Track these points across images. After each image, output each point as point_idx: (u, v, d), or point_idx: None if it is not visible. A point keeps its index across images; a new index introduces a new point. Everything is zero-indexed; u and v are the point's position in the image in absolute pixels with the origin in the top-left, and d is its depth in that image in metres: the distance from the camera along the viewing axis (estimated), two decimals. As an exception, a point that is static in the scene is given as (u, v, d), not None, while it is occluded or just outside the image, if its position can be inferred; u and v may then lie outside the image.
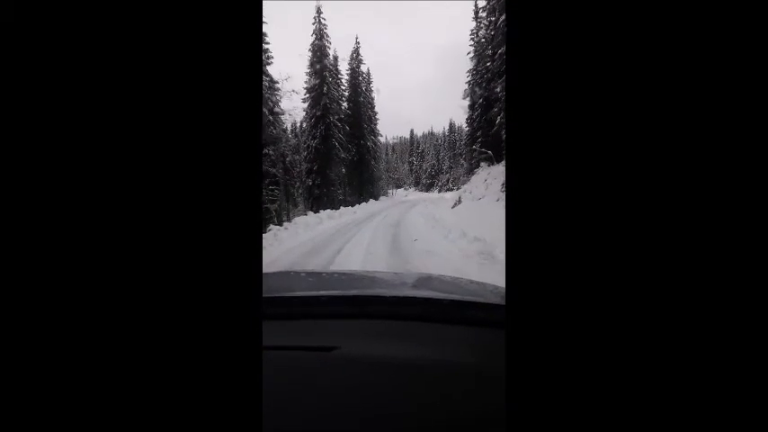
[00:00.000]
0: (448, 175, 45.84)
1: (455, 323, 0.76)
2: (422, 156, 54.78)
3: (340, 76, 22.23)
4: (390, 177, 38.89)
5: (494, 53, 15.01)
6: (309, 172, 19.48)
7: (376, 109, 25.75)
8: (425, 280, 1.25)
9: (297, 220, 10.32)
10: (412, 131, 61.02)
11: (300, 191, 19.41)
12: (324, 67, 19.58)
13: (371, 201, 21.85)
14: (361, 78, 24.32)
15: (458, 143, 45.62)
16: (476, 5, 18.63)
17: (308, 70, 19.69)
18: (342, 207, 15.96)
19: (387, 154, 42.69)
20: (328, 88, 19.69)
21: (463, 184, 17.59)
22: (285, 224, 9.37)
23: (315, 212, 12.32)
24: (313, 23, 19.59)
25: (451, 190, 34.76)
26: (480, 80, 17.16)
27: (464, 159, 24.23)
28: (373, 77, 26.00)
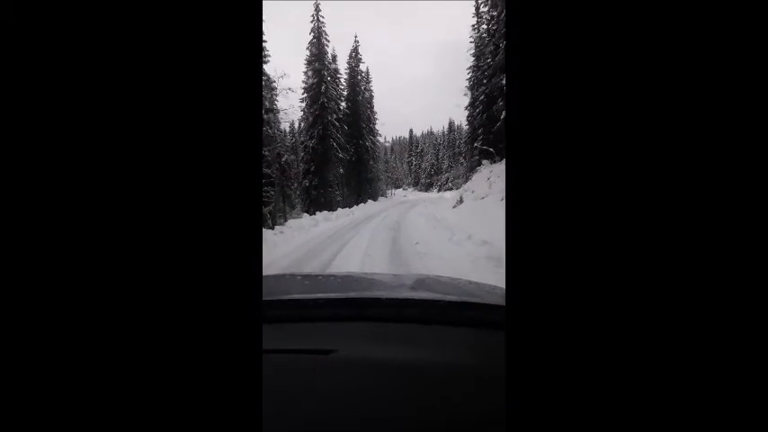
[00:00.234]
0: (447, 174, 45.61)
1: (453, 324, 0.74)
2: (421, 155, 54.48)
3: (339, 75, 21.84)
4: (389, 177, 38.56)
5: (496, 47, 14.69)
6: (307, 173, 19.06)
7: (375, 108, 25.41)
8: (423, 281, 1.23)
9: (291, 223, 9.85)
10: (411, 131, 60.79)
11: (298, 192, 19.01)
12: (322, 66, 19.18)
13: (370, 201, 21.48)
14: (359, 77, 23.94)
15: (457, 142, 45.38)
16: (476, 1, 18.28)
17: (306, 68, 19.29)
18: (339, 208, 15.55)
19: (385, 154, 42.36)
20: (326, 87, 19.28)
21: (464, 183, 17.21)
22: (277, 228, 8.86)
23: (311, 215, 11.87)
24: (311, 21, 19.22)
25: (451, 189, 34.51)
26: (481, 76, 16.82)
27: (464, 158, 23.87)
28: (372, 77, 25.59)
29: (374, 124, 25.31)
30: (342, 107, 21.92)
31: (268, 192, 13.08)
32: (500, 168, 11.71)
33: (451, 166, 45.35)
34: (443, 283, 1.29)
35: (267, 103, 13.67)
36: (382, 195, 28.44)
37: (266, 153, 13.22)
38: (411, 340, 0.69)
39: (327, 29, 19.31)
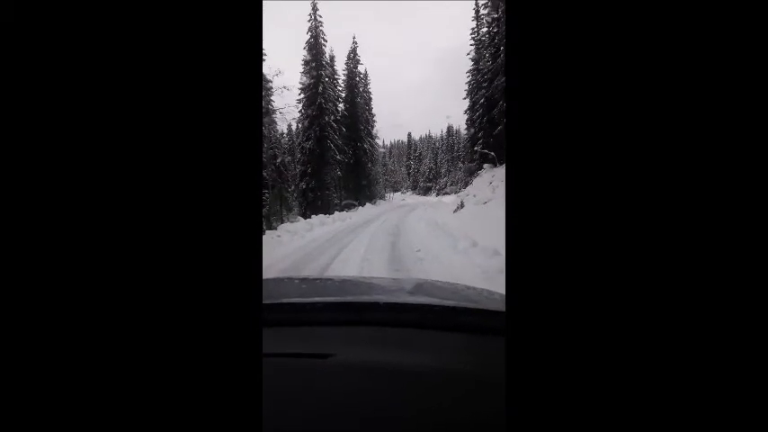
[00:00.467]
0: (446, 178, 45.35)
1: (451, 330, 0.74)
2: (419, 159, 54.26)
3: (336, 76, 21.51)
4: (387, 181, 38.20)
5: (497, 50, 14.44)
6: (303, 175, 18.66)
7: (373, 111, 25.10)
8: (422, 286, 1.24)
9: (284, 227, 9.34)
10: (409, 134, 60.54)
11: (295, 195, 18.60)
12: (319, 67, 18.83)
13: (368, 205, 21.09)
14: (358, 79, 23.63)
15: (456, 146, 45.18)
16: (477, 4, 18.08)
17: (303, 69, 18.93)
18: (336, 212, 15.14)
19: (384, 157, 42.05)
20: (324, 88, 18.93)
21: (464, 187, 16.86)
22: (269, 233, 8.37)
23: (306, 218, 11.42)
24: (308, 21, 18.88)
25: (449, 194, 34.21)
26: (481, 79, 16.56)
27: (462, 162, 23.59)
28: (370, 79, 25.27)
29: (372, 127, 25.02)
30: (339, 109, 21.61)
31: (263, 194, 12.67)
32: (502, 172, 11.33)
33: (450, 170, 45.15)
34: (442, 287, 1.26)
35: (263, 103, 13.27)
36: (381, 198, 28.10)
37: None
38: (409, 345, 0.69)
39: (325, 29, 19.02)
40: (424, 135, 60.18)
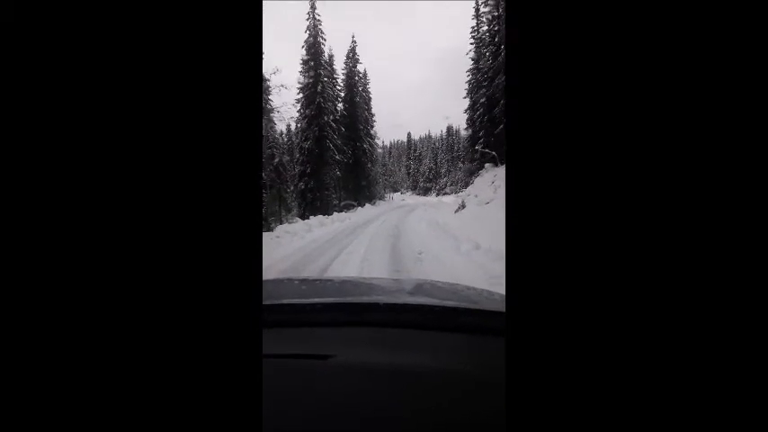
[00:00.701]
0: (446, 178, 45.15)
1: (451, 330, 0.74)
2: (419, 159, 54.04)
3: (335, 76, 21.31)
4: (387, 181, 37.98)
5: (497, 48, 14.26)
6: (302, 175, 18.45)
7: (373, 111, 24.88)
8: (421, 286, 1.23)
9: (281, 228, 9.08)
10: (409, 134, 60.30)
11: (294, 195, 18.39)
12: (318, 65, 18.63)
13: (367, 205, 20.89)
14: (357, 78, 23.42)
15: (456, 146, 44.97)
16: (477, 2, 17.89)
17: (302, 68, 18.72)
18: (335, 212, 14.94)
19: (383, 157, 41.85)
20: (323, 87, 18.72)
21: (465, 187, 16.67)
22: (266, 234, 8.14)
23: (304, 218, 11.19)
24: (307, 19, 18.70)
25: (449, 194, 34.02)
26: (482, 78, 16.38)
27: (462, 162, 23.41)
28: (370, 79, 25.06)
29: (372, 126, 24.81)
30: (339, 108, 21.41)
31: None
32: (504, 172, 11.11)
33: (450, 171, 44.95)
34: (442, 288, 1.25)
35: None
36: (380, 199, 27.91)
37: (259, 154, 12.56)
38: (409, 346, 0.68)
39: (324, 29, 18.83)
40: (423, 135, 60.07)
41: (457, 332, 0.74)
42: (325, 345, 0.68)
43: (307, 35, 18.66)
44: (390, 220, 11.72)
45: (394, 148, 60.97)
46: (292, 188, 18.40)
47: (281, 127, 15.45)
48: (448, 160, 47.37)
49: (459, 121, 48.10)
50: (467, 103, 18.28)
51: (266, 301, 0.76)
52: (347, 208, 18.08)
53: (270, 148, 14.84)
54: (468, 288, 1.23)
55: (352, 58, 23.10)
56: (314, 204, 17.72)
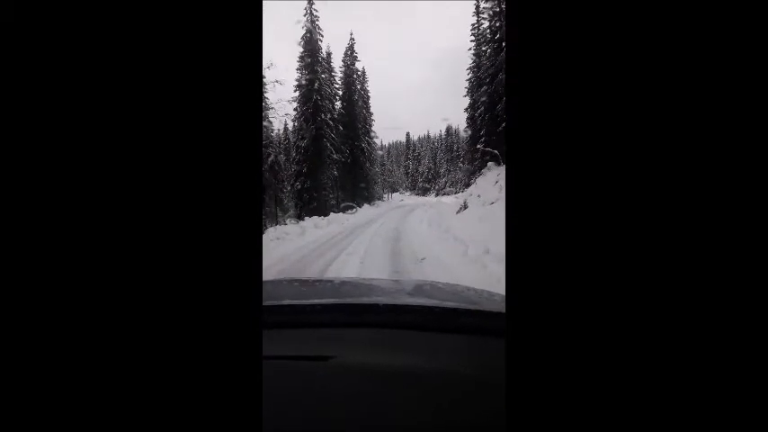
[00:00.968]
0: (445, 178, 44.78)
1: (451, 331, 0.74)
2: (418, 159, 53.63)
3: (333, 73, 20.84)
4: (386, 181, 37.56)
5: (500, 44, 13.85)
6: (299, 175, 17.95)
7: (371, 110, 24.43)
8: (421, 287, 1.23)
9: (272, 232, 8.46)
10: (407, 134, 59.79)
11: (291, 196, 17.90)
12: (315, 62, 18.15)
13: (366, 206, 20.42)
14: (355, 77, 22.96)
15: (455, 145, 44.59)
16: (477, 0, 17.49)
17: (299, 65, 18.24)
18: (332, 213, 14.45)
19: (382, 157, 41.40)
20: (320, 85, 18.24)
21: (466, 187, 16.23)
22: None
23: (299, 219, 10.66)
24: (304, 16, 18.22)
25: (448, 194, 33.67)
26: (483, 75, 15.96)
27: (462, 162, 23.00)
28: (368, 78, 24.64)
29: (370, 125, 24.37)
30: (337, 107, 20.95)
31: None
32: (508, 171, 10.62)
33: (449, 170, 44.57)
34: (442, 289, 1.22)
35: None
36: (379, 199, 27.47)
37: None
38: (409, 347, 0.68)
39: (322, 29, 18.35)
40: (422, 135, 59.60)
41: (457, 333, 0.73)
42: (325, 346, 0.67)
43: (303, 31, 18.20)
44: (390, 222, 11.25)
45: (393, 148, 60.54)
46: (289, 188, 17.92)
47: (276, 125, 14.89)
48: (447, 160, 47.02)
49: (459, 122, 47.75)
50: (466, 103, 17.92)
51: (267, 302, 0.74)
52: (346, 209, 17.60)
53: (265, 146, 14.36)
54: (468, 289, 1.21)
55: (350, 55, 22.66)
56: (311, 205, 17.24)
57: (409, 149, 56.97)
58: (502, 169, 11.81)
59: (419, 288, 1.20)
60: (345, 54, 22.62)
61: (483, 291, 1.14)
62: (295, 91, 18.16)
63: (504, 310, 0.44)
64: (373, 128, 24.75)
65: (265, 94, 13.50)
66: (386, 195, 33.64)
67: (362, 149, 22.80)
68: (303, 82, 17.99)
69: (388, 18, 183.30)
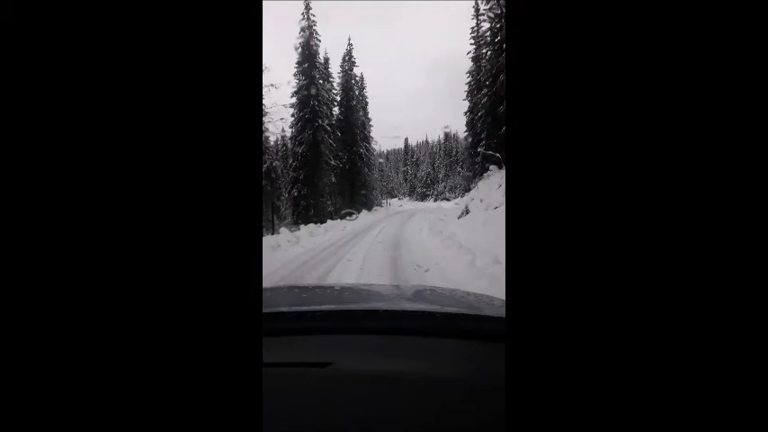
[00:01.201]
0: (443, 183, 44.51)
1: (450, 336, 0.73)
2: (416, 164, 53.39)
3: (331, 79, 20.56)
4: (384, 187, 37.24)
5: (500, 46, 13.58)
6: (295, 181, 17.56)
7: (369, 116, 24.14)
8: (421, 293, 1.24)
9: (264, 241, 8.09)
10: (406, 140, 59.61)
11: (288, 203, 17.50)
12: (312, 67, 17.86)
13: (364, 212, 20.02)
14: (353, 82, 22.69)
15: (454, 149, 44.37)
16: (476, 3, 17.31)
17: (296, 69, 17.95)
18: (330, 220, 14.04)
19: (381, 164, 41.09)
20: (317, 89, 17.94)
21: (466, 192, 15.88)
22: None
23: (292, 229, 10.21)
24: (301, 19, 17.97)
25: (448, 199, 33.35)
26: (485, 78, 15.69)
27: (461, 167, 22.71)
28: (366, 83, 24.39)
29: (369, 131, 24.06)
30: (334, 113, 20.64)
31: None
32: (511, 174, 10.23)
33: (448, 175, 44.30)
34: (441, 294, 1.25)
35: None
36: (377, 205, 27.11)
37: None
38: (409, 352, 0.68)
39: (320, 37, 18.07)
40: (421, 141, 59.44)
41: (457, 338, 0.72)
42: (324, 352, 0.66)
43: (300, 36, 17.94)
44: (389, 229, 10.84)
45: (391, 155, 60.35)
46: (286, 195, 17.52)
47: (272, 129, 14.48)
48: (446, 165, 46.79)
49: (457, 128, 47.62)
50: (464, 108, 17.68)
51: (266, 309, 0.72)
52: (345, 216, 17.18)
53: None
54: (468, 294, 1.18)
55: (348, 60, 22.42)
56: (307, 212, 16.83)
57: (408, 155, 56.76)
58: (504, 173, 11.43)
59: (419, 293, 1.19)
60: (343, 59, 22.41)
61: (483, 296, 1.13)
62: (292, 96, 17.88)
63: (504, 315, 0.44)
64: (372, 134, 24.48)
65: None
66: (384, 201, 33.31)
67: (361, 155, 22.48)
68: (300, 84, 17.69)
69: (384, 26, 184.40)
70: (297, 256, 6.24)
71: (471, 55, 17.93)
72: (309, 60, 17.82)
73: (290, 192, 17.62)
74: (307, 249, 7.08)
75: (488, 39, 15.69)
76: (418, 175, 51.27)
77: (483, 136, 15.44)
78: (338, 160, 19.47)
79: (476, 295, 1.15)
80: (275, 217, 15.42)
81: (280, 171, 16.52)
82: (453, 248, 5.86)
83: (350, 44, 22.69)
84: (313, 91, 17.61)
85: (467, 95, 18.24)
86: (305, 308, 0.91)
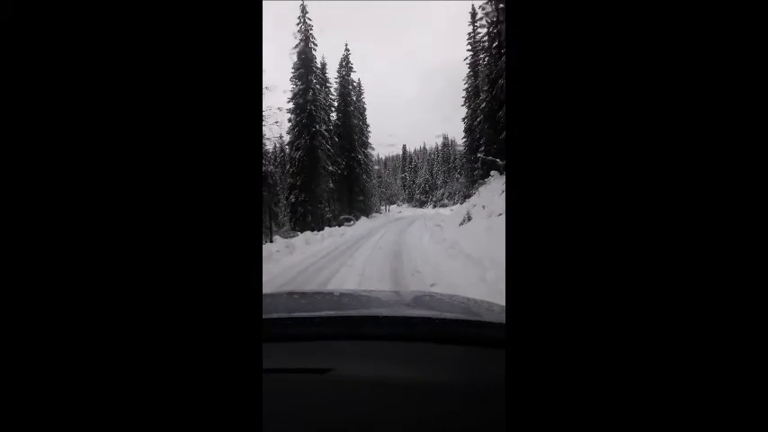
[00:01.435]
0: (442, 190, 44.30)
1: (450, 342, 0.73)
2: (415, 171, 53.20)
3: (328, 84, 20.37)
4: (383, 193, 36.99)
5: (500, 50, 13.43)
6: (293, 187, 17.26)
7: (368, 122, 23.94)
8: (421, 298, 1.22)
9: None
10: (404, 146, 59.49)
11: (286, 209, 17.17)
12: (309, 71, 17.66)
13: (363, 218, 19.71)
14: (351, 87, 22.52)
15: (452, 156, 44.22)
16: (473, 8, 17.23)
17: (292, 73, 17.73)
18: (327, 227, 13.70)
19: (379, 170, 40.86)
20: (314, 94, 17.72)
21: (467, 198, 15.60)
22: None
23: (291, 232, 9.87)
24: (297, 24, 17.81)
25: (447, 206, 33.08)
26: (483, 82, 15.52)
27: (459, 173, 22.49)
28: (364, 89, 24.22)
29: (367, 137, 23.86)
30: (332, 118, 20.42)
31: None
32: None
33: (447, 182, 44.10)
34: (441, 300, 1.21)
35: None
36: (376, 212, 26.79)
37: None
38: (408, 358, 0.68)
39: (318, 45, 17.89)
40: (419, 148, 59.33)
41: (457, 344, 0.72)
42: (324, 358, 0.66)
43: (297, 40, 17.76)
44: (389, 237, 10.53)
45: (390, 161, 60.17)
46: (284, 201, 17.20)
47: (268, 133, 14.15)
48: (444, 171, 46.62)
49: (455, 134, 47.56)
50: (462, 115, 17.56)
51: (265, 315, 0.73)
52: (343, 222, 16.85)
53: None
54: (468, 300, 1.18)
55: (345, 66, 22.27)
56: (305, 219, 16.51)
57: (405, 161, 56.60)
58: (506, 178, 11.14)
59: (419, 299, 1.19)
60: (341, 64, 22.26)
61: (483, 301, 1.12)
62: (288, 102, 17.66)
63: (504, 321, 0.43)
64: (370, 140, 24.27)
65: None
66: (383, 207, 33.01)
67: (359, 161, 22.23)
68: (297, 91, 17.46)
69: (379, 33, 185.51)
70: (288, 269, 5.89)
71: (468, 61, 17.83)
72: (306, 65, 17.63)
73: (287, 198, 17.30)
74: (305, 257, 6.76)
75: (485, 45, 15.57)
76: (417, 181, 51.07)
77: (482, 141, 15.24)
78: (336, 166, 19.20)
79: (475, 301, 1.14)
80: (273, 224, 15.06)
81: (277, 177, 16.22)
82: (459, 258, 5.54)
83: (347, 49, 22.60)
84: (310, 96, 17.39)
85: (465, 101, 18.09)
86: (305, 314, 0.90)
